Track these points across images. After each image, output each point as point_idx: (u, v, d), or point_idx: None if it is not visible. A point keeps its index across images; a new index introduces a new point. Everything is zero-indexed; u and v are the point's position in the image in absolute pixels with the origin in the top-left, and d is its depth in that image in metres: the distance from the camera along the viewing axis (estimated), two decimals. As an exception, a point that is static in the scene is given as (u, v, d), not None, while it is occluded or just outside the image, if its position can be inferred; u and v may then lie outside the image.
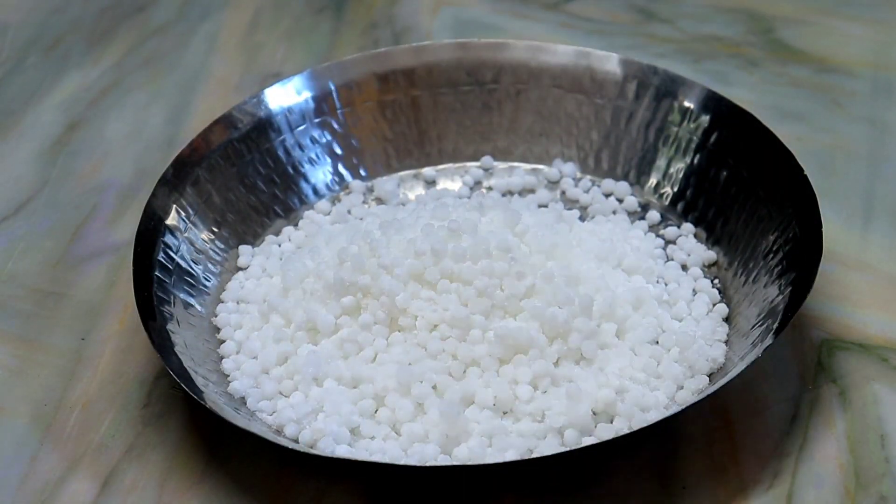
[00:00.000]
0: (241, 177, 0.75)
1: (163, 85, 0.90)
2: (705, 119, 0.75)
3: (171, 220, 0.71)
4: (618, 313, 0.65)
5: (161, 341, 0.64)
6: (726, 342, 0.66)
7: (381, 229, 0.68)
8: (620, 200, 0.76)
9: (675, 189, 0.75)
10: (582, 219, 0.75)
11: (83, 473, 0.63)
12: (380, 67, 0.80)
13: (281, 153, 0.77)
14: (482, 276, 0.65)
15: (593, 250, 0.69)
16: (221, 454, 0.63)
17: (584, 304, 0.64)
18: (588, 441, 0.61)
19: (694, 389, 0.63)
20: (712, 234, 0.72)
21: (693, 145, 0.75)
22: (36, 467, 0.63)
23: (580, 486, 0.60)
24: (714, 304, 0.68)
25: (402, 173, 0.80)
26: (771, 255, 0.68)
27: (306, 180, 0.78)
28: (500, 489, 0.60)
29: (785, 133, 0.72)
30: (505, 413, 0.62)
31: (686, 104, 0.76)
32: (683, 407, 0.60)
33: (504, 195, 0.78)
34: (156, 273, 0.68)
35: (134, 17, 0.97)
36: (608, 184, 0.77)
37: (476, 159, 0.80)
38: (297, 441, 0.62)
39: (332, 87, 0.79)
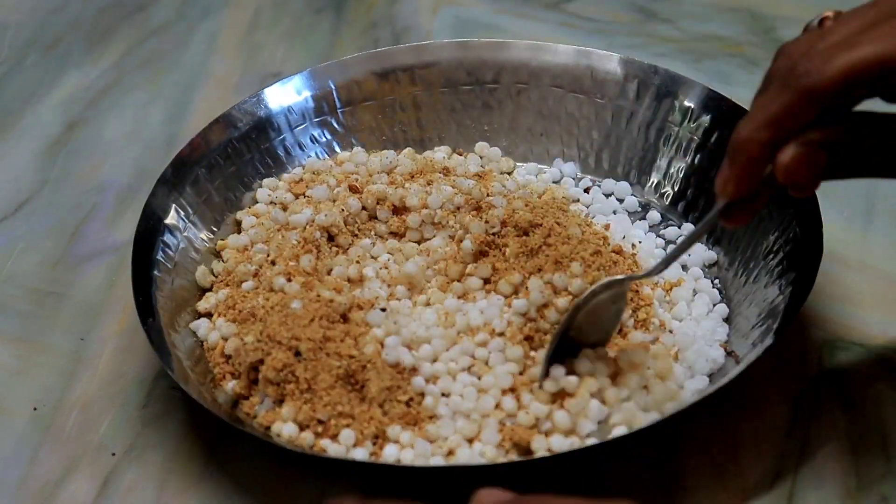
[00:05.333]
0: (241, 176, 0.75)
1: (162, 84, 0.90)
2: (706, 119, 0.75)
3: (171, 219, 0.71)
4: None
5: (160, 341, 0.64)
6: (726, 342, 0.66)
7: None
8: (621, 200, 0.76)
9: (676, 189, 0.75)
10: (582, 219, 0.75)
11: (83, 473, 0.63)
12: (380, 67, 0.80)
13: (281, 152, 0.77)
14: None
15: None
16: (221, 454, 0.63)
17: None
18: (588, 441, 0.61)
19: (694, 389, 0.63)
20: (712, 234, 0.72)
21: (694, 145, 0.75)
22: (36, 467, 0.63)
23: (581, 487, 0.60)
24: (714, 304, 0.68)
25: (402, 173, 0.79)
26: (771, 255, 0.68)
27: (306, 180, 0.78)
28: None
29: (785, 133, 0.72)
30: (511, 415, 0.62)
31: (687, 104, 0.76)
32: (683, 407, 0.60)
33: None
34: (155, 273, 0.68)
35: (134, 16, 0.97)
36: (608, 183, 0.77)
37: (476, 159, 0.80)
38: (294, 442, 0.62)
39: (333, 87, 0.79)
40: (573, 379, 0.62)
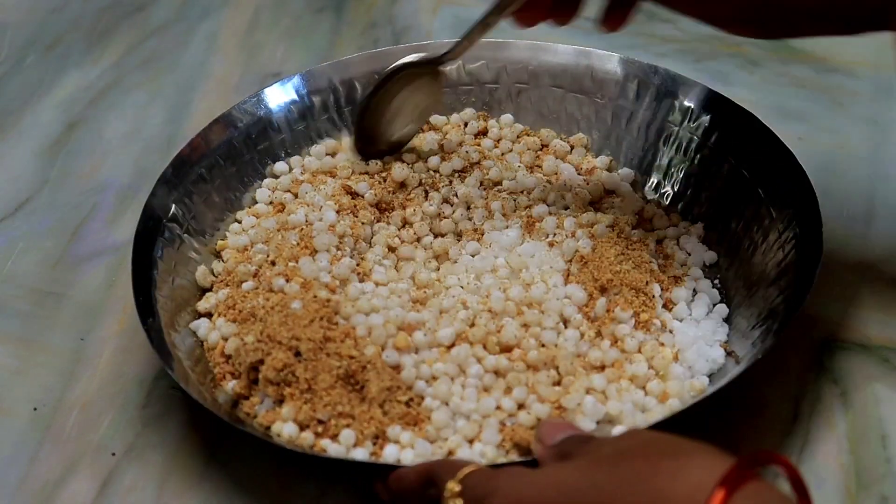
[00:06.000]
0: (241, 176, 0.75)
1: (162, 84, 0.90)
2: (706, 119, 0.75)
3: (171, 219, 0.71)
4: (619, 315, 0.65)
5: (160, 341, 0.64)
6: (726, 342, 0.66)
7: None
8: (621, 200, 0.76)
9: (676, 189, 0.75)
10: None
11: (83, 474, 0.63)
12: (380, 67, 0.80)
13: (281, 152, 0.77)
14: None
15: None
16: (221, 455, 0.63)
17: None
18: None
19: (694, 390, 0.63)
20: (712, 234, 0.72)
21: (694, 145, 0.75)
22: (36, 468, 0.63)
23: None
24: (714, 305, 0.68)
25: (402, 173, 0.79)
26: (771, 255, 0.68)
27: (306, 180, 0.78)
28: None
29: (786, 133, 0.72)
30: (511, 415, 0.62)
31: (687, 104, 0.76)
32: (683, 407, 0.60)
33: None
34: (155, 273, 0.68)
35: (133, 16, 0.97)
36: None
37: (476, 159, 0.80)
38: (294, 442, 0.62)
39: (332, 87, 0.79)
40: None
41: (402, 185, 0.74)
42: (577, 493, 0.48)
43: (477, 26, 0.69)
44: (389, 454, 0.61)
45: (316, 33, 0.94)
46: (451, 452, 0.61)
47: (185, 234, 0.71)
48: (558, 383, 0.63)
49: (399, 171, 0.74)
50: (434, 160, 0.76)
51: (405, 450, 0.61)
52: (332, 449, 0.61)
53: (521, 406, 0.62)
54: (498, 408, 0.62)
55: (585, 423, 0.61)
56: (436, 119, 0.79)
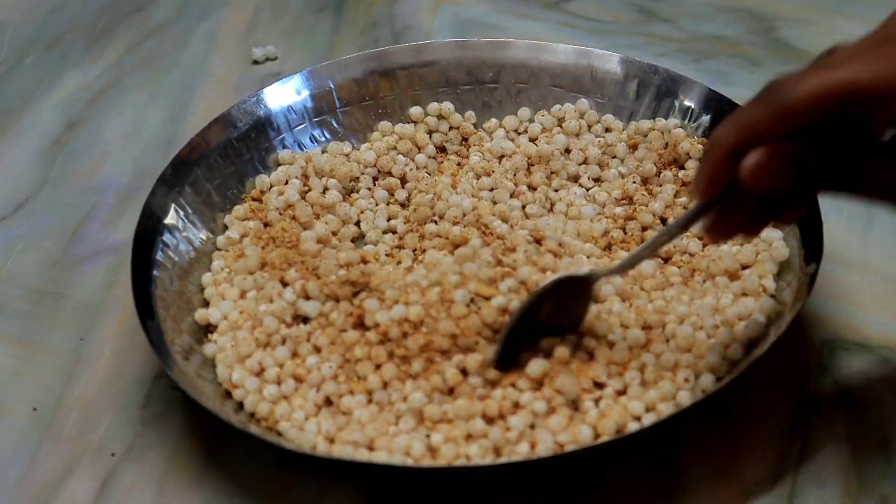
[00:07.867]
0: (241, 175, 0.75)
1: (162, 84, 0.90)
2: (706, 119, 0.75)
3: (170, 219, 0.71)
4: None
5: (160, 341, 0.64)
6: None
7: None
8: (621, 200, 0.76)
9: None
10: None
11: (82, 474, 0.63)
12: (380, 66, 0.80)
13: (281, 150, 0.77)
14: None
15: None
16: (221, 455, 0.63)
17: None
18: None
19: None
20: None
21: (693, 145, 0.75)
22: (35, 467, 0.63)
23: (581, 486, 0.60)
24: (715, 304, 0.68)
25: (401, 173, 0.80)
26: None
27: (306, 179, 0.78)
28: (500, 490, 0.60)
29: (786, 133, 0.72)
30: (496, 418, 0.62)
31: (687, 103, 0.76)
32: (684, 407, 0.60)
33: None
34: (155, 273, 0.68)
35: (133, 16, 0.97)
36: (608, 183, 0.77)
37: (476, 159, 0.80)
38: (295, 442, 0.61)
39: (332, 87, 0.79)
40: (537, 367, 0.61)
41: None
42: None
43: (653, 243, 0.61)
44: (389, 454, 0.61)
45: (316, 33, 0.94)
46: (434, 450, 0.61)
47: (185, 234, 0.71)
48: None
49: (399, 168, 0.74)
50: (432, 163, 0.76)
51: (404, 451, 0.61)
52: (334, 449, 0.61)
53: (517, 403, 0.62)
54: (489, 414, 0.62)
55: (586, 424, 0.61)
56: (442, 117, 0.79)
